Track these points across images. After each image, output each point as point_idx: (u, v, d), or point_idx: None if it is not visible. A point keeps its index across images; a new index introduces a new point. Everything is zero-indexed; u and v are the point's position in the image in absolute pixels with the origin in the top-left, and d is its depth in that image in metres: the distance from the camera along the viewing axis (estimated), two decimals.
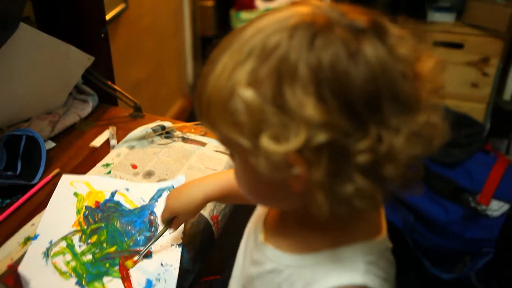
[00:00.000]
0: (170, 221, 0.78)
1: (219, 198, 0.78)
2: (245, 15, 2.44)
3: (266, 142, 0.41)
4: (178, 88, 2.31)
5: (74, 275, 0.79)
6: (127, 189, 0.96)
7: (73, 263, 0.81)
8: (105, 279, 0.79)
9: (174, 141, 1.11)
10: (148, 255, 0.82)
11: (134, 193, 0.95)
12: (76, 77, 1.17)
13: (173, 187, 0.96)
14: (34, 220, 0.89)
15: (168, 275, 0.79)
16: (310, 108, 0.40)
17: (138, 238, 0.86)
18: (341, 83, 0.41)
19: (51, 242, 0.84)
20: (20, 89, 1.06)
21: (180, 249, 0.83)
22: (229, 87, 0.43)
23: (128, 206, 0.93)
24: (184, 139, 1.12)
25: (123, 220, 0.89)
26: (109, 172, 1.01)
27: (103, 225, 0.88)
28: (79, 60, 1.13)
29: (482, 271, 1.48)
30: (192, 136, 1.13)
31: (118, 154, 1.06)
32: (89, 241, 0.85)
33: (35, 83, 1.08)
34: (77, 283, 0.78)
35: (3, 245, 0.83)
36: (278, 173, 0.43)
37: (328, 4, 0.45)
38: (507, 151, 2.12)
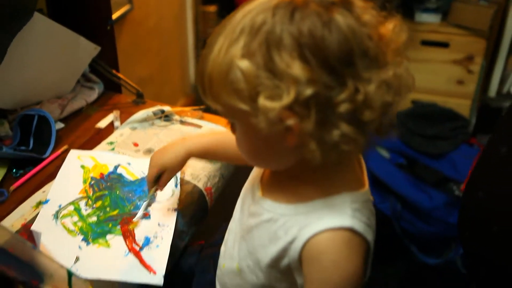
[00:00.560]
0: (158, 180, 0.85)
1: (201, 154, 0.86)
2: None
3: (263, 102, 0.51)
4: (180, 88, 2.39)
5: (80, 233, 0.88)
6: (129, 163, 1.05)
7: (79, 224, 0.90)
8: (108, 236, 0.88)
9: (173, 123, 1.20)
10: (147, 216, 0.91)
11: (135, 167, 1.04)
12: (83, 65, 1.27)
13: None
14: (45, 188, 0.98)
15: (165, 234, 0.88)
16: (296, 69, 0.50)
17: (138, 203, 0.95)
18: (319, 46, 0.50)
19: (60, 206, 0.93)
20: (33, 74, 1.16)
21: (175, 213, 0.92)
22: (227, 61, 0.52)
23: (130, 177, 1.02)
24: (182, 122, 1.21)
25: (124, 189, 0.99)
26: (113, 149, 1.10)
27: (106, 192, 0.98)
28: (87, 50, 1.23)
29: None
30: (189, 120, 1.22)
31: (121, 134, 1.15)
32: (94, 205, 0.94)
33: (46, 69, 1.18)
34: (83, 239, 0.87)
35: (18, 207, 0.93)
36: (276, 127, 0.52)
37: None
38: None
